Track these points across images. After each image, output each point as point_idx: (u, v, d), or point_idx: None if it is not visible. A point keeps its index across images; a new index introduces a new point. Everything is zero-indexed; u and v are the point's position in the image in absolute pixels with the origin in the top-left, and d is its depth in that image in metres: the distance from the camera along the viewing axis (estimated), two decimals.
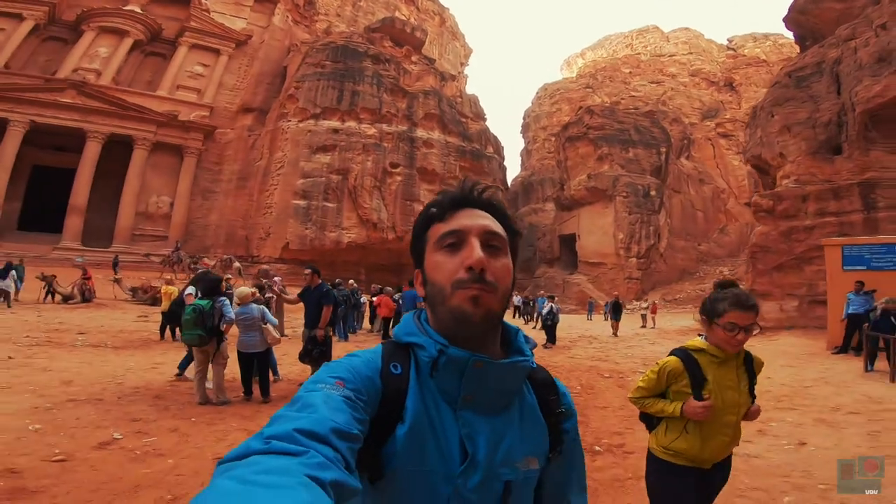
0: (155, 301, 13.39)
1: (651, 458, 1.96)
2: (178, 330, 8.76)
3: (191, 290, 6.33)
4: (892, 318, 5.88)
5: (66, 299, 12.63)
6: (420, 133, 25.77)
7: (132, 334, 9.19)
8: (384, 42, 31.53)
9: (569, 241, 36.15)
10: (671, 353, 1.92)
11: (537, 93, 44.55)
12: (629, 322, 18.64)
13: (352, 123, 24.93)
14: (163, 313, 8.79)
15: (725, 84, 38.89)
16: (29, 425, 3.85)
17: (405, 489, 0.65)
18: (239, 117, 27.79)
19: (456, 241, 0.72)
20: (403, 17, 41.16)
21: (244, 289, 5.75)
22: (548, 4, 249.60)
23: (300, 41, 31.48)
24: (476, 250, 0.69)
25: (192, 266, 20.55)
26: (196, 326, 4.90)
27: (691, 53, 40.82)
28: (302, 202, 22.48)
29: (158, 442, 3.87)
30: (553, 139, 37.80)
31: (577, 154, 32.63)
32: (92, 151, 23.54)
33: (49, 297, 12.94)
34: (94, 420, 4.20)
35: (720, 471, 1.91)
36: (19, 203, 23.82)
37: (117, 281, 14.80)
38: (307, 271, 6.36)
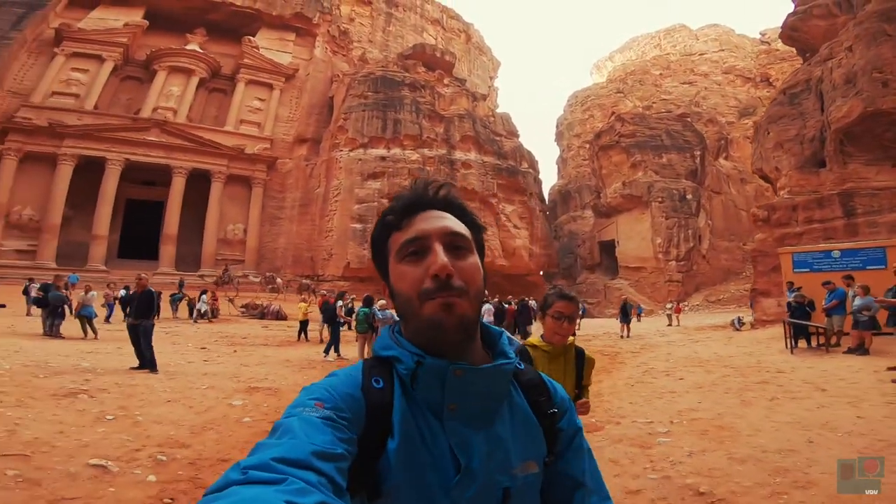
0: (263, 314, 18.40)
1: None
2: (308, 333, 13.45)
3: (340, 303, 10.77)
4: (806, 307, 9.46)
5: (202, 316, 17.67)
6: (458, 155, 30.13)
7: (275, 338, 13.85)
8: (417, 68, 36.30)
9: (608, 248, 39.39)
10: None
11: (568, 100, 48.23)
12: (658, 322, 22.04)
13: (397, 150, 29.61)
14: (300, 322, 13.45)
15: (762, 80, 41.16)
16: (304, 377, 8.26)
17: None
18: (295, 147, 33.15)
19: (418, 249, 0.74)
20: (431, 38, 46.07)
21: (382, 301, 10.11)
22: (572, 9, 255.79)
23: (341, 72, 36.69)
24: (440, 256, 0.72)
25: (238, 284, 25.38)
26: (365, 323, 9.30)
27: (723, 50, 43.31)
28: (358, 225, 27.23)
29: None
30: (588, 146, 41.24)
31: (610, 162, 36.04)
32: (178, 185, 29.24)
33: (188, 314, 18.03)
34: None
35: None
36: (118, 234, 29.86)
37: (231, 300, 19.88)
38: None
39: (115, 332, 12.56)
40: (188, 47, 33.72)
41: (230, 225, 29.91)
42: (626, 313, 15.86)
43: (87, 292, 11.16)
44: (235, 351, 10.87)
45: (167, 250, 28.10)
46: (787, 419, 4.56)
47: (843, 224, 14.59)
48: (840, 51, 15.66)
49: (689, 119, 36.56)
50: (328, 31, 39.43)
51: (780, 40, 43.47)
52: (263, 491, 0.47)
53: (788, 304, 9.88)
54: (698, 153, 36.86)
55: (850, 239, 13.78)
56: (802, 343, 9.46)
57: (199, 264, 28.38)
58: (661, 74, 42.95)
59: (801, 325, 9.44)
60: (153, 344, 7.74)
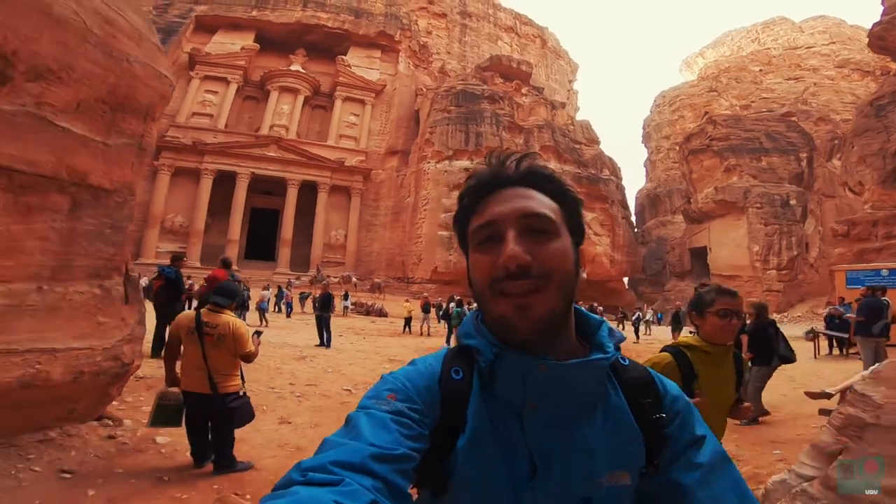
0: (369, 312, 23.19)
1: None
2: (411, 327, 17.65)
3: (452, 304, 14.76)
4: (836, 320, 11.56)
5: (345, 311, 22.81)
6: None
7: (385, 330, 18.20)
8: (495, 79, 39.71)
9: (700, 254, 39.77)
10: (663, 350, 2.16)
11: (655, 100, 48.49)
12: None
13: (479, 162, 33.29)
14: (405, 318, 17.71)
15: (882, 73, 38.71)
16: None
17: None
18: (387, 159, 38.25)
19: (491, 235, 0.72)
20: (506, 45, 49.07)
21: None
22: (657, 2, 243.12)
23: (424, 86, 41.16)
24: (510, 245, 0.69)
25: (328, 285, 30.54)
26: (457, 319, 13.09)
27: (834, 43, 40.96)
28: (445, 233, 31.37)
29: None
30: (678, 148, 41.83)
31: (701, 167, 36.66)
32: (291, 196, 35.50)
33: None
34: None
35: None
36: (244, 238, 36.92)
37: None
38: None
39: (282, 321, 17.59)
40: (292, 67, 39.91)
41: (333, 231, 35.69)
42: (677, 321, 16.26)
43: (264, 289, 16.23)
44: (364, 338, 15.25)
45: (283, 253, 34.45)
46: None
47: None
48: None
49: (794, 119, 35.98)
50: (409, 46, 43.97)
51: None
52: (318, 492, 0.53)
53: (825, 317, 12.07)
54: (805, 155, 36.15)
55: None
56: (836, 350, 11.71)
57: (308, 266, 34.38)
58: (761, 70, 41.82)
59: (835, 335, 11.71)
60: (332, 329, 12.20)
